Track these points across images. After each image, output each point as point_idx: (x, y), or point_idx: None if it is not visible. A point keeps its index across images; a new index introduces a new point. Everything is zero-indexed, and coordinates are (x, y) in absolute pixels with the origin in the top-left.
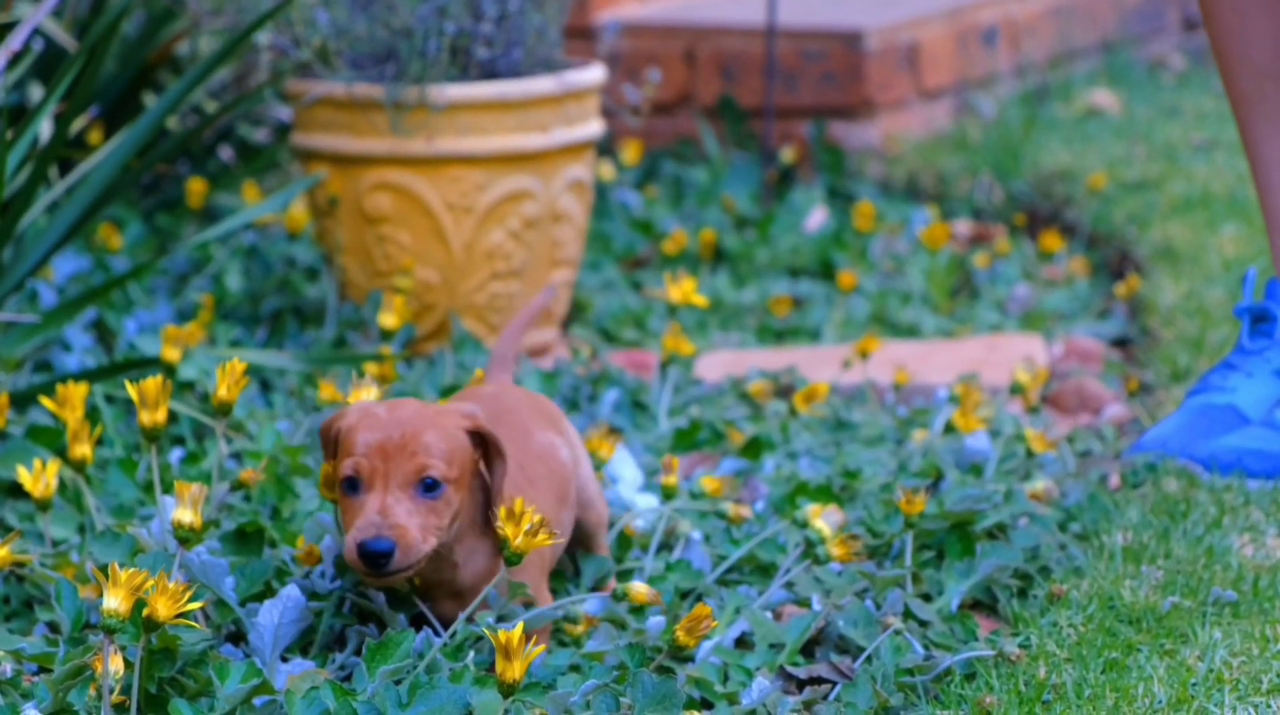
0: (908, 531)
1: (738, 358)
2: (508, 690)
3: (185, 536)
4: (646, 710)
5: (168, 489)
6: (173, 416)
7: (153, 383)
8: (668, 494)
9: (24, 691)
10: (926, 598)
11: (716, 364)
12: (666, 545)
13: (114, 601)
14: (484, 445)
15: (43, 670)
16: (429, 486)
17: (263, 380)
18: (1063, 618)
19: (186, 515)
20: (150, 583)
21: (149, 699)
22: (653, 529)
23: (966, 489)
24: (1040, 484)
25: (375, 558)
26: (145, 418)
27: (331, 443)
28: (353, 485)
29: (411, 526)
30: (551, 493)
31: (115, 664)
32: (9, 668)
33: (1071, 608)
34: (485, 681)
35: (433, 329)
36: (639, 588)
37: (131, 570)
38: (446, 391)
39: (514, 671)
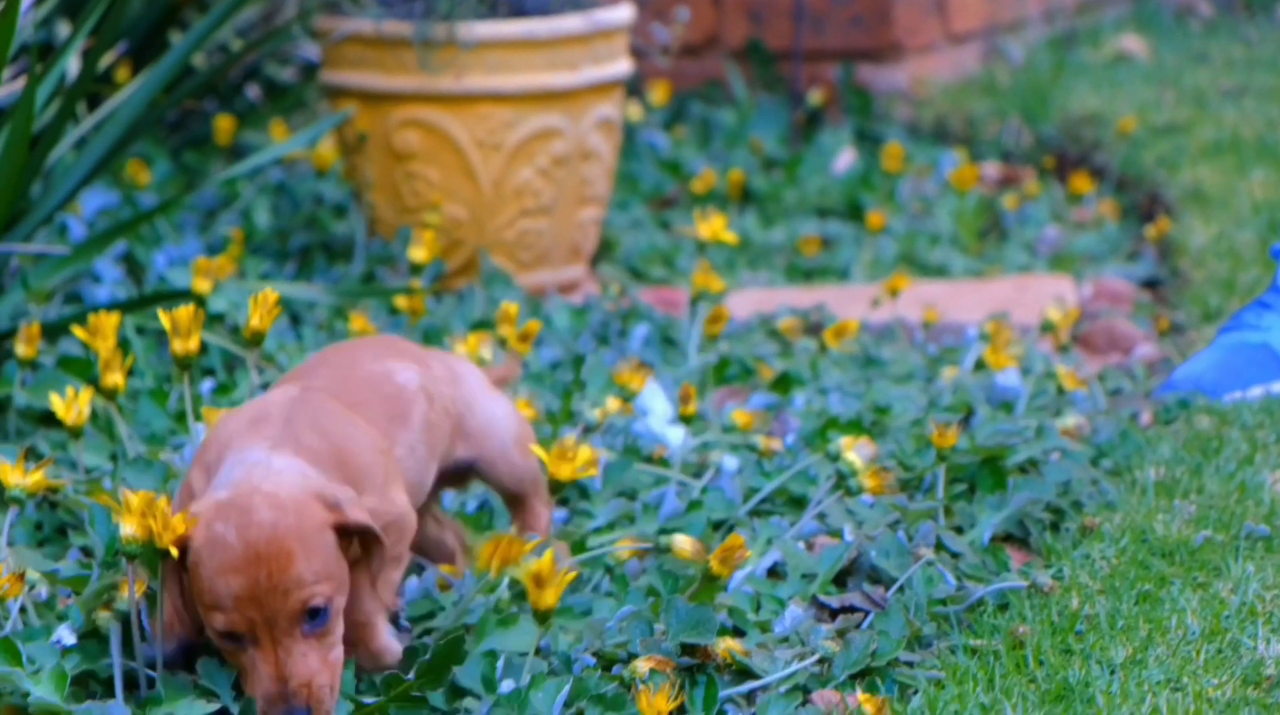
0: (940, 465)
1: (767, 296)
2: (542, 617)
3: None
4: (680, 635)
5: (199, 418)
6: (202, 349)
7: (185, 311)
8: (686, 421)
9: (59, 614)
10: (958, 531)
11: (746, 302)
12: (697, 476)
13: (129, 529)
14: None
15: (77, 594)
16: (314, 614)
17: (292, 314)
18: (1095, 551)
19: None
20: (164, 505)
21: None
22: (681, 460)
23: (997, 424)
24: (1071, 420)
25: None
26: (178, 346)
27: (178, 549)
28: (230, 636)
29: (313, 673)
30: (382, 413)
31: (140, 588)
32: (44, 591)
33: (1104, 541)
34: (509, 621)
35: (461, 265)
36: (683, 541)
37: (142, 494)
38: (476, 325)
39: (547, 599)
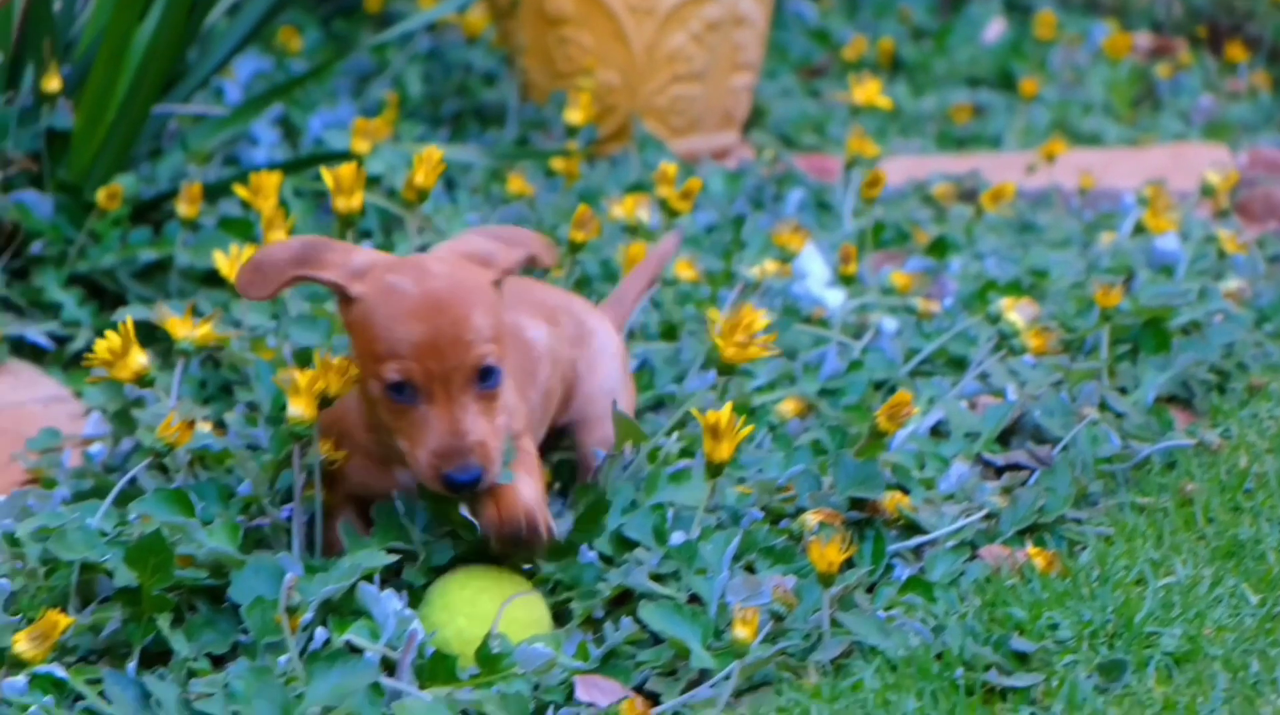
0: (1103, 325)
1: (919, 163)
2: (715, 470)
3: None
4: (848, 490)
5: None
6: (360, 211)
7: (348, 168)
8: (846, 281)
9: (228, 467)
10: (1122, 391)
11: (898, 168)
12: (856, 337)
13: (297, 410)
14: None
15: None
16: (487, 373)
17: (447, 179)
18: (1263, 410)
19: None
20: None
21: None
22: (841, 321)
23: (1159, 287)
24: (1233, 284)
25: (463, 487)
26: (340, 203)
27: (342, 306)
28: (401, 389)
29: (489, 438)
30: (517, 365)
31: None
32: (215, 443)
33: (1271, 400)
34: (681, 476)
35: (614, 130)
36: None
37: (311, 372)
38: (630, 188)
39: (722, 452)
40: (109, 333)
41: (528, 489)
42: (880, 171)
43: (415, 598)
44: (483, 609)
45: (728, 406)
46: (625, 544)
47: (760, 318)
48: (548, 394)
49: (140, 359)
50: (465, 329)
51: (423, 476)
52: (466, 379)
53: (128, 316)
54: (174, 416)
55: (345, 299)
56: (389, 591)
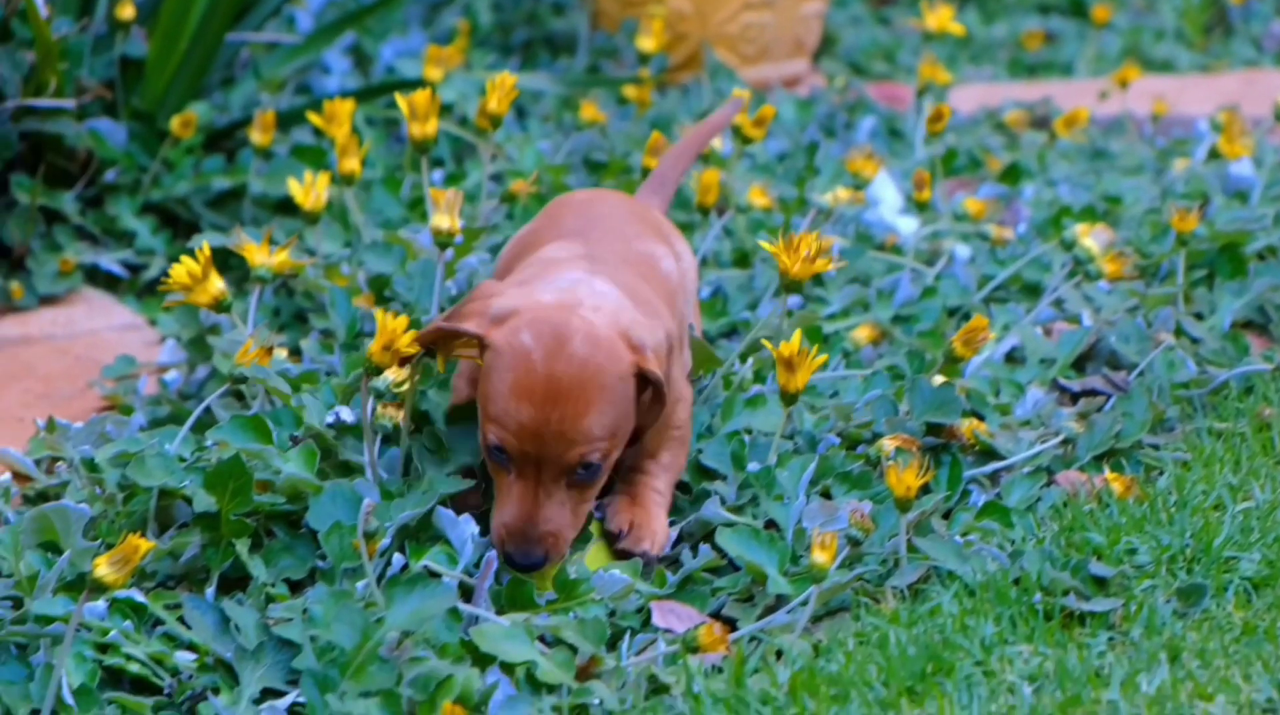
0: (1179, 250)
1: (990, 90)
2: (790, 399)
3: (444, 242)
4: (925, 415)
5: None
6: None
7: (422, 95)
8: (920, 208)
9: (309, 392)
10: (1198, 317)
11: (969, 96)
12: (929, 264)
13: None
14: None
15: (306, 377)
16: (586, 469)
17: (518, 108)
18: None
19: (444, 221)
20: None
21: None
22: (914, 248)
23: (1235, 212)
24: None
25: (520, 568)
26: (415, 129)
27: (475, 348)
28: (498, 453)
29: (563, 527)
30: (658, 297)
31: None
32: (291, 368)
33: None
34: (757, 402)
35: (684, 59)
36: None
37: (389, 314)
38: (702, 116)
39: (797, 382)
40: (186, 258)
41: (660, 518)
42: (945, 107)
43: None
44: None
45: (797, 336)
46: (704, 472)
47: (816, 238)
48: (681, 320)
49: (219, 284)
50: (575, 428)
51: (493, 541)
52: (561, 471)
53: (204, 243)
54: (251, 343)
55: (483, 345)
56: (466, 516)
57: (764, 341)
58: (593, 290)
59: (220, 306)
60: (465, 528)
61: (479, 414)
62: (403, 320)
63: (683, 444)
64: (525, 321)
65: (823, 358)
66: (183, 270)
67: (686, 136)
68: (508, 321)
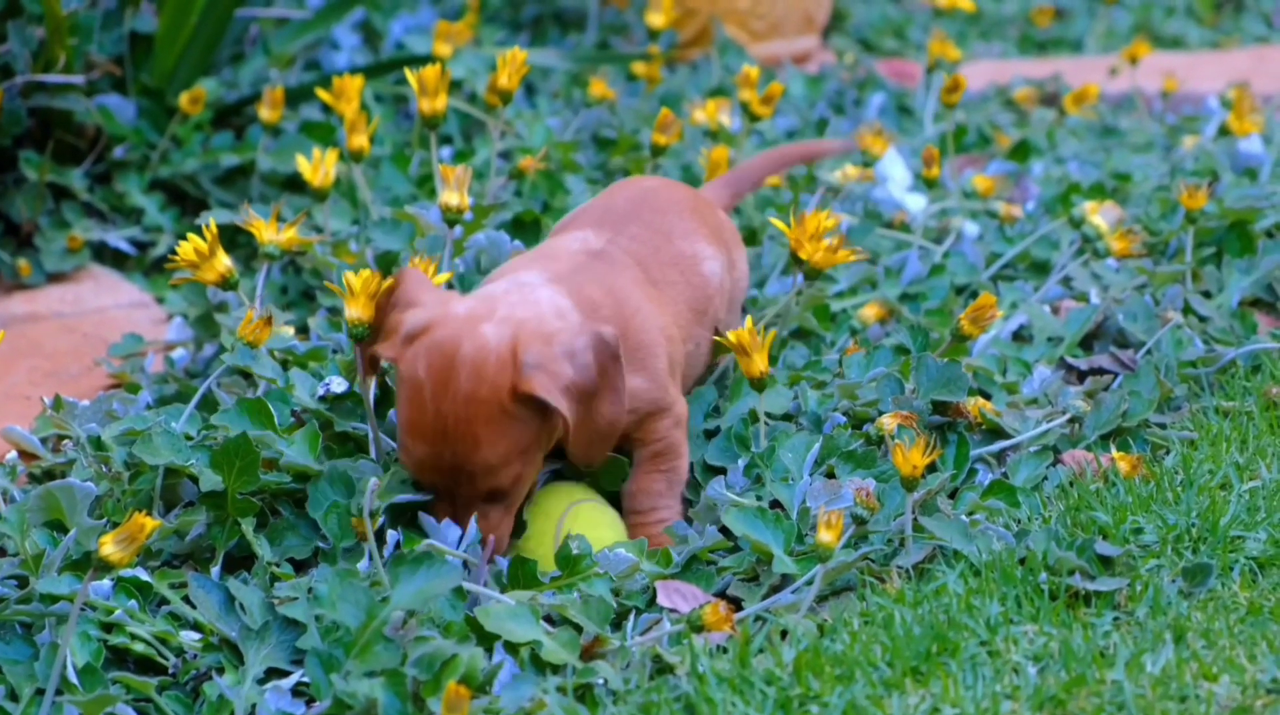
0: (1188, 227)
1: (1000, 67)
2: (759, 385)
3: (453, 219)
4: (931, 392)
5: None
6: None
7: (431, 71)
8: (928, 184)
9: (313, 371)
10: (1206, 295)
11: (980, 72)
12: (938, 241)
13: (354, 311)
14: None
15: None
16: (496, 493)
17: (527, 84)
18: None
19: (453, 197)
20: (380, 285)
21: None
22: (922, 225)
23: (1244, 189)
24: None
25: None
26: (425, 105)
27: (369, 350)
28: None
29: (499, 529)
30: (684, 301)
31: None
32: (299, 345)
33: None
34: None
35: (694, 35)
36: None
37: (366, 274)
38: (711, 93)
39: (756, 366)
40: (193, 236)
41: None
42: (960, 77)
43: None
44: (547, 507)
45: (749, 322)
46: (709, 469)
47: (828, 218)
48: (714, 323)
49: (225, 261)
50: (471, 462)
51: None
52: (473, 498)
53: (211, 219)
54: (252, 314)
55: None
56: (446, 521)
57: (718, 337)
58: (521, 298)
59: (227, 283)
60: (449, 530)
61: None
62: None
63: (671, 457)
64: (424, 347)
65: (773, 334)
66: (189, 248)
67: (785, 149)
68: (414, 342)
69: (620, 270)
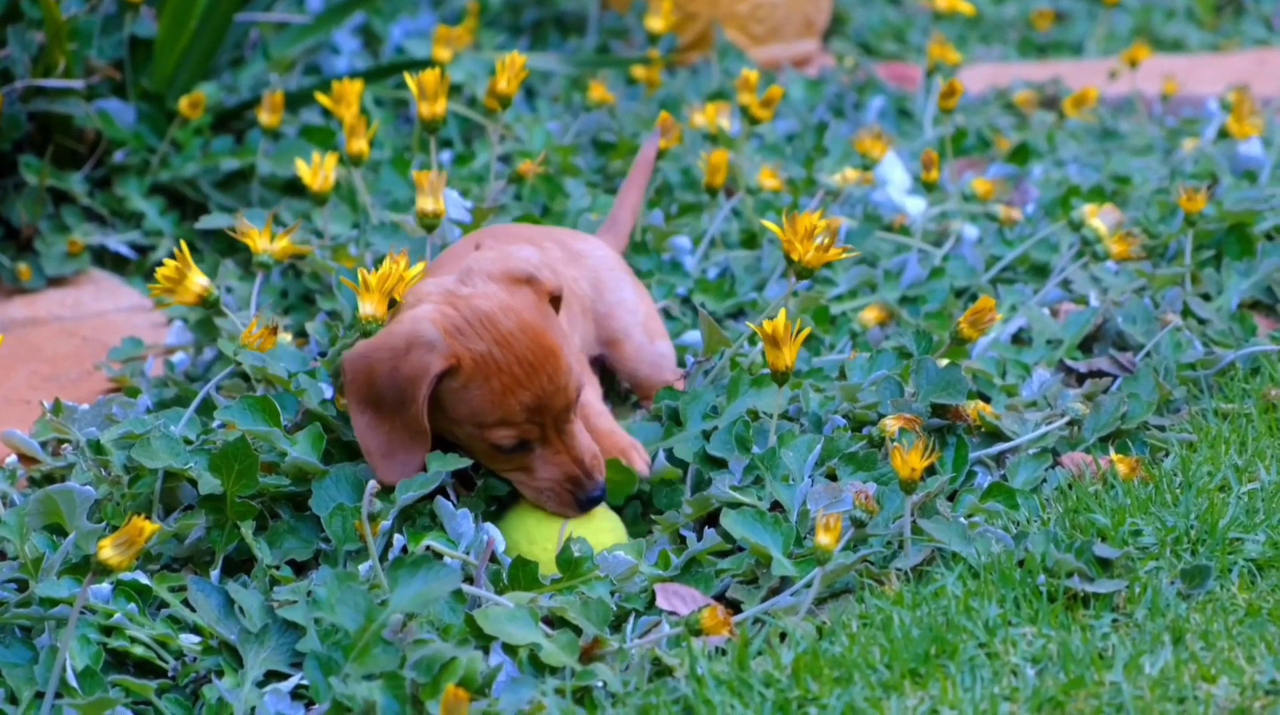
0: (1187, 230)
1: (1000, 70)
2: (782, 378)
3: (430, 224)
4: (931, 395)
5: (449, 184)
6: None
7: (431, 75)
8: (928, 188)
9: (312, 372)
10: (1205, 297)
11: (979, 76)
12: (937, 244)
13: (369, 307)
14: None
15: (321, 355)
16: (578, 394)
17: (527, 88)
18: None
19: (428, 203)
20: (404, 275)
21: None
22: (922, 229)
23: (1243, 192)
24: None
25: (598, 501)
26: (424, 109)
27: (423, 392)
28: (514, 447)
29: (593, 446)
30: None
31: None
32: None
33: None
34: (763, 382)
35: (694, 39)
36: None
37: (382, 271)
38: (711, 97)
39: (784, 359)
40: (169, 260)
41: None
42: (957, 82)
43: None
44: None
45: (782, 313)
46: (711, 461)
47: (820, 218)
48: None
49: (200, 281)
50: (560, 375)
51: (552, 503)
52: (568, 411)
53: (208, 225)
54: (255, 323)
55: (448, 373)
56: (464, 510)
57: (749, 324)
58: (481, 257)
59: (206, 302)
60: (464, 521)
61: (465, 431)
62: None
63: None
64: (469, 328)
65: (807, 331)
66: (167, 271)
67: (631, 174)
68: (461, 334)
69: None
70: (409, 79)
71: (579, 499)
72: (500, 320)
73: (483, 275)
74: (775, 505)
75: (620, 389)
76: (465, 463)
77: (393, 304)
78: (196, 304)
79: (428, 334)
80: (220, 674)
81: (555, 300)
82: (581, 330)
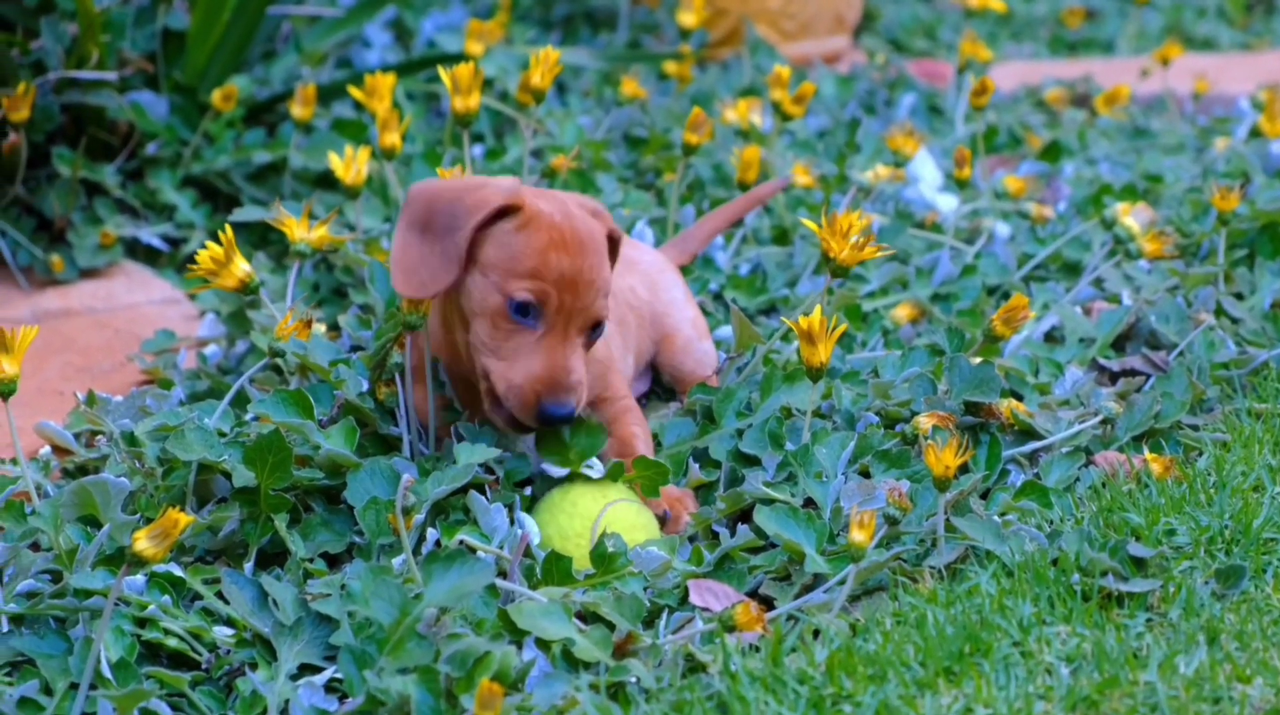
0: (1220, 229)
1: (1031, 68)
2: (815, 374)
3: None
4: (964, 393)
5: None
6: None
7: (465, 69)
8: (960, 185)
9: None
10: (1238, 297)
11: (1010, 73)
12: (969, 242)
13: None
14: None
15: (355, 349)
16: (597, 327)
17: (559, 83)
18: None
19: None
20: None
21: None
22: (953, 226)
23: (1276, 191)
24: None
25: (556, 420)
26: (458, 103)
27: (477, 219)
28: (525, 311)
29: (585, 380)
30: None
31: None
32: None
33: None
34: (795, 376)
35: (725, 35)
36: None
37: None
38: (742, 93)
39: (819, 355)
40: (211, 243)
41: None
42: (988, 80)
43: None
44: (584, 509)
45: (817, 310)
46: (744, 458)
47: (859, 218)
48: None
49: (243, 266)
50: (598, 277)
51: (514, 399)
52: (585, 323)
53: (242, 218)
54: (290, 316)
55: (504, 212)
56: (498, 504)
57: (785, 321)
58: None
59: (247, 288)
60: (498, 515)
61: (486, 282)
62: None
63: (635, 412)
64: (534, 196)
65: (843, 327)
66: (207, 255)
67: (726, 207)
68: (517, 193)
69: None
70: (443, 72)
71: (543, 405)
72: (569, 204)
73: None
74: (808, 502)
75: (663, 382)
76: (494, 452)
77: None
78: (238, 289)
79: (504, 183)
80: (254, 667)
81: (613, 243)
82: (637, 338)
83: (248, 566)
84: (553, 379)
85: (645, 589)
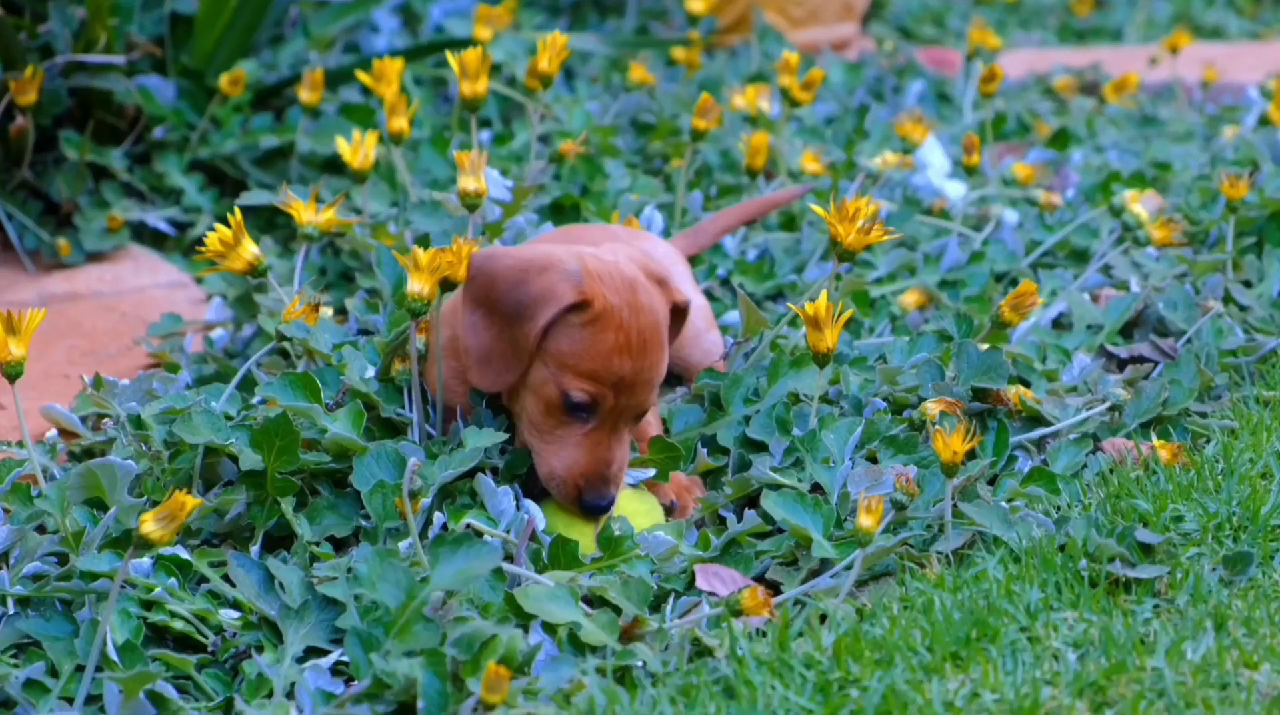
0: (1229, 216)
1: (1040, 55)
2: (822, 360)
3: (471, 204)
4: (971, 379)
5: (489, 163)
6: None
7: (473, 54)
8: (969, 172)
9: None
10: (1246, 284)
11: (1019, 61)
12: (977, 229)
13: (418, 286)
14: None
15: (363, 333)
16: (645, 411)
17: (566, 68)
18: None
19: (470, 182)
20: (451, 258)
21: None
22: (961, 213)
23: None
24: None
25: (596, 512)
26: (466, 88)
27: (547, 317)
28: (578, 408)
29: (625, 464)
30: None
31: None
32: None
33: None
34: (802, 362)
35: (733, 21)
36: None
37: (434, 251)
38: (750, 79)
39: (826, 341)
40: (220, 225)
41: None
42: (997, 67)
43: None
44: None
45: (823, 295)
46: (751, 444)
47: (868, 204)
48: None
49: (252, 249)
50: (655, 373)
51: (555, 486)
52: (634, 416)
53: (249, 202)
54: (298, 300)
55: (575, 307)
56: (505, 488)
57: (791, 307)
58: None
59: (256, 271)
60: (505, 499)
61: (545, 370)
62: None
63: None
64: (605, 278)
65: (850, 313)
66: (215, 238)
67: (743, 204)
68: (596, 279)
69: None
70: (451, 57)
71: (583, 498)
72: (639, 290)
73: (625, 258)
74: (815, 487)
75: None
76: (501, 437)
77: (444, 286)
78: (246, 272)
79: (569, 264)
80: (260, 649)
81: (678, 313)
82: None
83: (254, 549)
84: (595, 473)
85: (652, 573)
